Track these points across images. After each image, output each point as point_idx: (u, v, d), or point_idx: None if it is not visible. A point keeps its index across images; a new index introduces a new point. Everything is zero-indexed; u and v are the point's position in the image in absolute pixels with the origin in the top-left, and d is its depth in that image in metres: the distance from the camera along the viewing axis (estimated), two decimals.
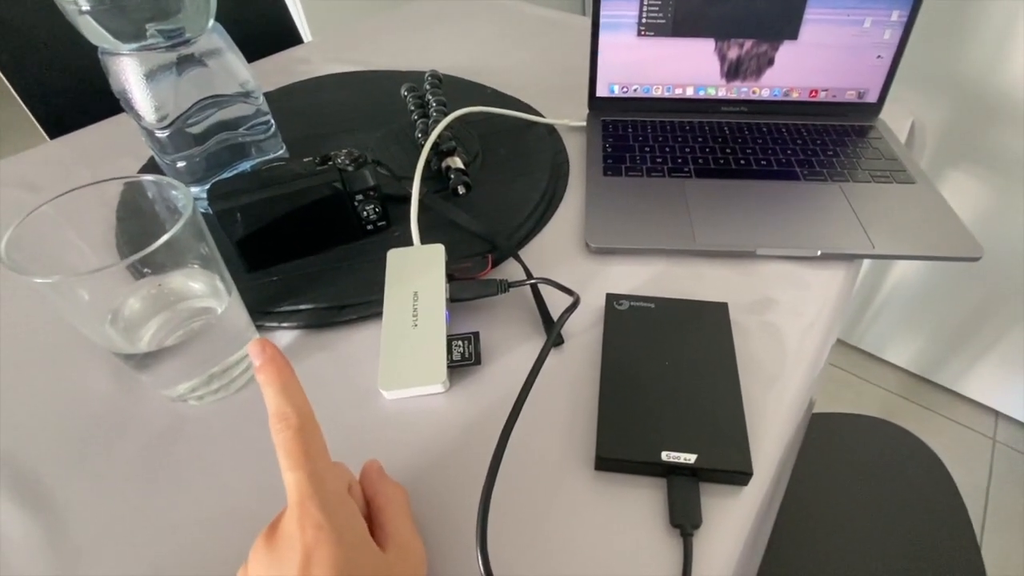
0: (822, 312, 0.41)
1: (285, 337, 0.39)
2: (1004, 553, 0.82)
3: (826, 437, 0.64)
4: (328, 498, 0.23)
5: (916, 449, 0.63)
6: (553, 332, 0.35)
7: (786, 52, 0.55)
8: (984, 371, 1.05)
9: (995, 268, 0.96)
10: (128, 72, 0.38)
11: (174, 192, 0.31)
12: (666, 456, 0.30)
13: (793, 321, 0.40)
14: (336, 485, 0.24)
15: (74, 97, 0.68)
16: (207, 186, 0.39)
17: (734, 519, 0.30)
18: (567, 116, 0.59)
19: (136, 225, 0.32)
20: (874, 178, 0.50)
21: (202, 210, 0.44)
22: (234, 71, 0.43)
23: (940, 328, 1.07)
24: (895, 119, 0.59)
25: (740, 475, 0.30)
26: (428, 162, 0.48)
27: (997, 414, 1.08)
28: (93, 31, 0.36)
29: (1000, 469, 0.99)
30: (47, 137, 0.67)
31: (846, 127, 0.57)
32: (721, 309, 0.38)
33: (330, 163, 0.41)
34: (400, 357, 0.35)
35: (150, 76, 0.39)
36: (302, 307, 0.40)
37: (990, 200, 0.89)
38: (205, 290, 0.34)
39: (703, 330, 0.37)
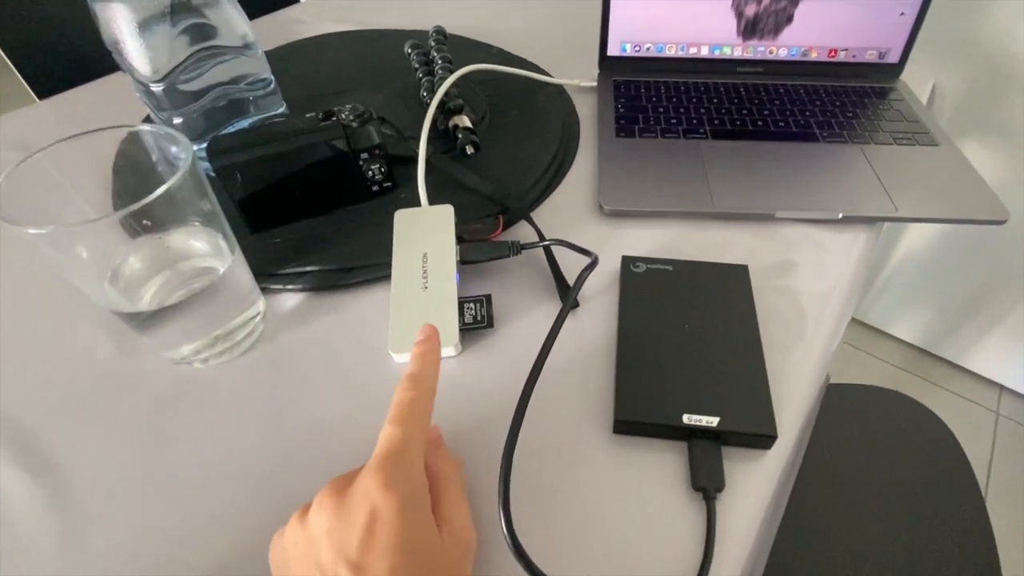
0: (843, 276, 0.39)
1: (291, 300, 0.38)
2: (1005, 526, 0.83)
3: (837, 407, 0.63)
4: (411, 465, 0.23)
5: (926, 419, 0.62)
6: (571, 295, 0.34)
7: (805, 8, 0.53)
8: (989, 345, 1.05)
9: (1005, 241, 0.95)
10: (120, 20, 0.36)
11: (173, 146, 0.30)
12: (688, 419, 0.29)
13: (814, 285, 0.39)
14: (419, 460, 0.23)
15: (64, 56, 0.65)
16: (205, 143, 0.38)
17: (757, 482, 0.29)
18: (577, 76, 0.57)
19: (134, 179, 0.30)
20: (896, 140, 0.48)
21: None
22: (232, 22, 0.41)
23: (946, 302, 1.07)
24: (916, 82, 0.57)
25: (764, 438, 0.29)
26: (435, 121, 0.46)
27: (1001, 388, 1.08)
28: None
29: (1003, 442, 0.99)
30: (36, 98, 0.65)
31: (866, 88, 0.55)
32: (741, 272, 0.37)
33: (333, 119, 0.39)
34: (410, 320, 0.34)
35: (143, 25, 0.37)
36: (308, 269, 0.38)
37: (1006, 170, 0.87)
38: (207, 249, 0.33)
39: (723, 293, 0.36)
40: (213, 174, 0.37)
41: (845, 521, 0.54)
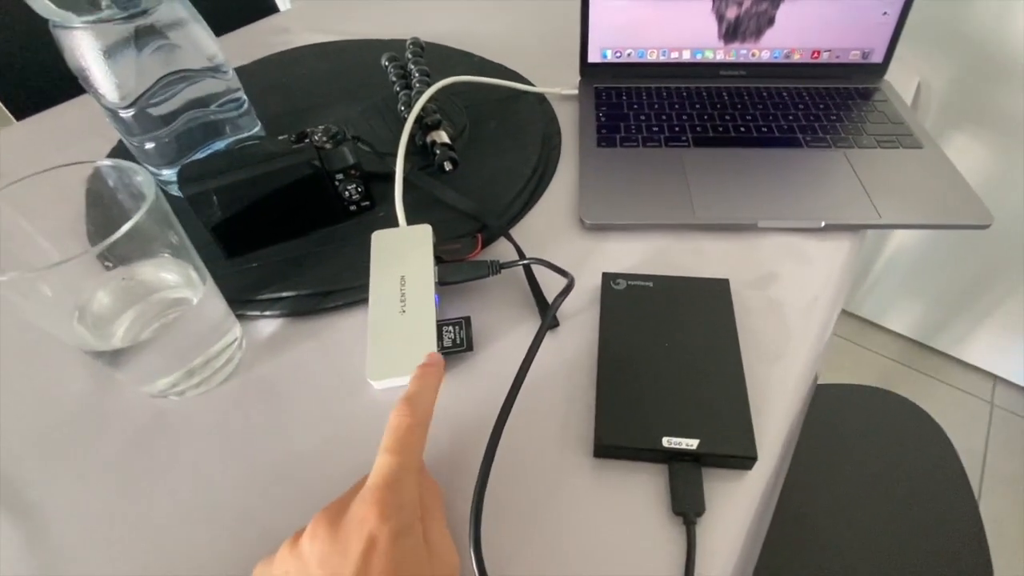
0: (826, 286, 0.39)
1: (268, 326, 0.38)
2: (1000, 516, 0.83)
3: (826, 408, 0.63)
4: (406, 494, 0.23)
5: (917, 418, 0.62)
6: (547, 317, 0.33)
7: (787, 10, 0.52)
8: (983, 336, 1.05)
9: (998, 233, 0.95)
10: (83, 47, 0.36)
11: (137, 178, 0.29)
12: (667, 442, 0.29)
13: (797, 296, 0.38)
14: (414, 489, 0.24)
15: (41, 76, 0.65)
16: (176, 168, 0.37)
17: (738, 504, 0.29)
18: (558, 84, 0.56)
19: (100, 214, 0.30)
20: (880, 143, 0.48)
21: (174, 194, 0.42)
22: (200, 44, 0.40)
23: (940, 294, 1.06)
24: (900, 80, 0.56)
25: (744, 460, 0.29)
26: (412, 137, 0.45)
27: (996, 378, 1.08)
28: (39, 2, 0.33)
29: (997, 433, 0.99)
30: (13, 119, 0.64)
31: (850, 90, 0.54)
32: (722, 286, 0.37)
33: (307, 140, 0.38)
34: (388, 345, 0.34)
35: (108, 52, 0.36)
36: (285, 294, 0.38)
37: (995, 164, 0.87)
38: (178, 280, 0.32)
39: (704, 309, 0.35)
40: (183, 199, 0.36)
41: (834, 523, 0.54)
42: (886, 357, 1.14)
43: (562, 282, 0.36)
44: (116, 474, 0.31)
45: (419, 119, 0.46)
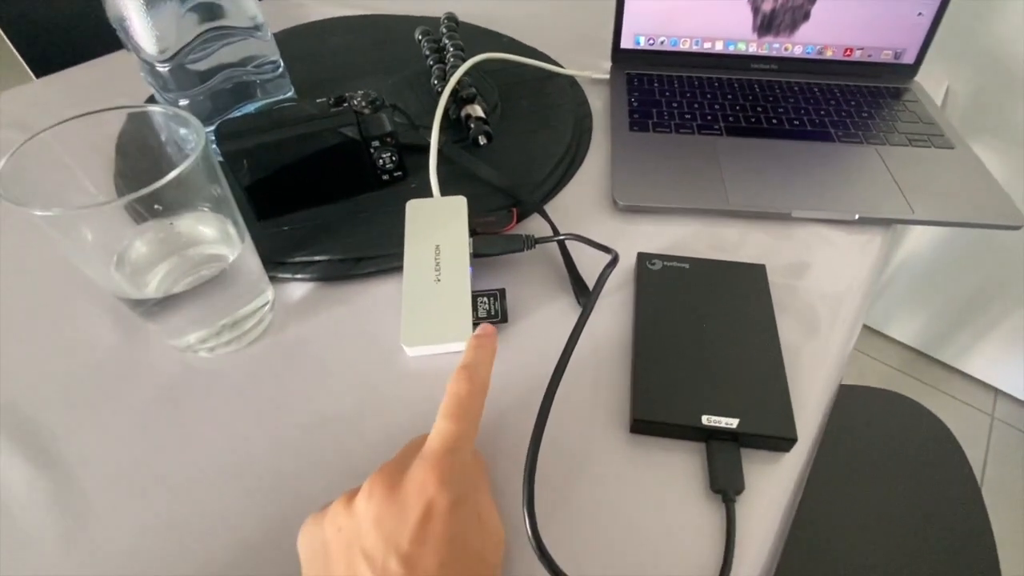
0: (858, 278, 0.39)
1: (299, 289, 0.37)
2: (998, 528, 0.83)
3: (837, 408, 0.63)
4: (464, 462, 0.23)
5: (927, 421, 0.62)
6: (595, 292, 0.33)
7: (823, 5, 0.52)
8: (986, 348, 1.05)
9: (1006, 245, 0.95)
10: None
11: (183, 128, 0.29)
12: (707, 420, 0.29)
13: (829, 286, 0.38)
14: (470, 457, 0.24)
15: (62, 34, 0.64)
16: (211, 127, 0.36)
17: (775, 485, 0.29)
18: (589, 68, 0.56)
19: (141, 161, 0.29)
20: (911, 142, 0.48)
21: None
22: (242, 2, 0.40)
23: (944, 305, 1.07)
24: (929, 84, 0.56)
25: (784, 441, 0.29)
26: (446, 110, 0.45)
27: (997, 391, 1.09)
28: None
29: (997, 445, 1.00)
30: (33, 76, 0.63)
31: (881, 88, 0.54)
32: (759, 271, 0.37)
33: (345, 105, 0.38)
34: (423, 313, 0.33)
35: (151, 2, 0.36)
36: (317, 258, 0.38)
37: (1017, 173, 0.87)
38: (216, 236, 0.32)
39: (741, 292, 0.35)
40: (220, 158, 0.36)
41: (845, 523, 0.54)
42: (888, 365, 1.14)
43: (595, 260, 0.35)
44: (143, 427, 0.31)
45: (454, 92, 0.45)
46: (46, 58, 0.63)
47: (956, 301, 1.05)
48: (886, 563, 0.52)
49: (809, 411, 0.32)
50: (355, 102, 0.38)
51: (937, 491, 0.56)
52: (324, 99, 0.38)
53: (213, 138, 0.36)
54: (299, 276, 0.37)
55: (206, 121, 0.42)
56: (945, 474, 0.58)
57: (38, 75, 0.63)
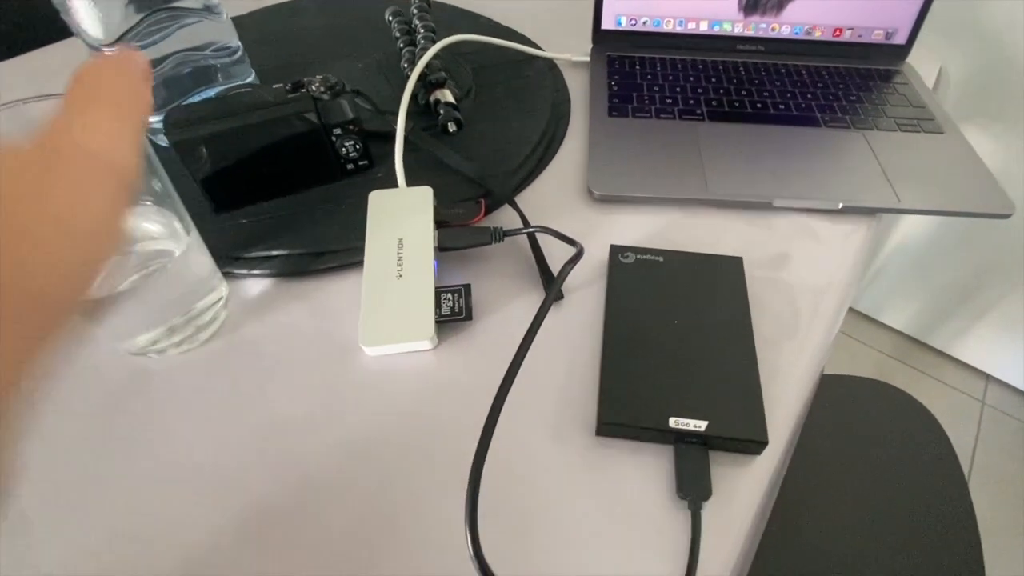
0: (841, 269, 0.38)
1: (257, 286, 0.36)
2: (986, 514, 0.83)
3: (822, 398, 0.62)
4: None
5: (913, 409, 0.61)
6: (554, 287, 0.32)
7: None
8: (979, 334, 1.04)
9: (999, 231, 0.94)
10: None
11: None
12: (675, 423, 0.28)
13: (811, 279, 0.37)
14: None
15: (18, 18, 0.61)
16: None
17: (745, 490, 0.28)
18: (569, 50, 0.54)
19: None
20: (900, 127, 0.46)
21: (161, 142, 0.40)
22: None
23: (937, 291, 1.06)
24: (921, 66, 0.54)
25: (754, 444, 0.28)
26: (415, 95, 0.43)
27: (988, 377, 1.08)
28: None
29: (987, 431, 1.00)
30: None
31: (871, 71, 0.52)
32: (735, 264, 0.35)
33: (303, 91, 0.36)
34: (383, 310, 0.32)
35: None
36: (275, 253, 0.36)
37: (1009, 158, 0.85)
38: (161, 231, 0.30)
39: (716, 286, 0.34)
40: (170, 146, 0.34)
41: (828, 512, 0.53)
42: (880, 352, 1.14)
43: (568, 254, 0.34)
44: (91, 434, 0.29)
45: (423, 76, 0.43)
46: (1, 43, 0.60)
47: (949, 287, 1.03)
48: (867, 552, 0.51)
49: (784, 409, 0.31)
50: (313, 88, 0.36)
51: (922, 481, 0.56)
52: (280, 85, 0.36)
53: (162, 128, 0.34)
54: (256, 272, 0.36)
55: (162, 108, 0.40)
56: (931, 464, 0.57)
57: None
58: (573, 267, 0.32)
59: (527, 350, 0.28)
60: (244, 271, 0.36)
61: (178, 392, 0.31)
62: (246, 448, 0.29)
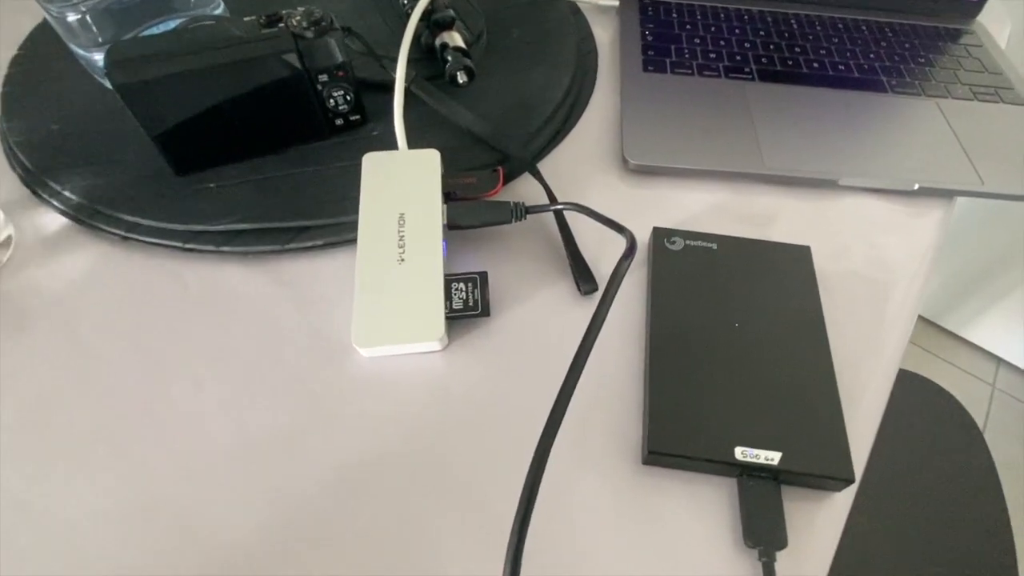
0: (915, 263, 0.32)
1: (226, 266, 0.29)
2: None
3: None
4: None
5: (946, 404, 0.58)
6: (610, 295, 0.25)
7: None
8: (992, 316, 1.01)
9: (1017, 215, 0.89)
10: None
11: None
12: (741, 454, 0.23)
13: (885, 272, 0.31)
14: None
15: None
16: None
17: (820, 535, 0.23)
18: None
19: None
20: (976, 95, 0.40)
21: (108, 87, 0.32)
22: None
23: (953, 273, 1.02)
24: (992, 24, 0.48)
25: (836, 481, 0.23)
26: (417, 37, 0.36)
27: (999, 361, 1.06)
28: None
29: (997, 415, 0.98)
30: None
31: (938, 29, 0.46)
32: (803, 254, 0.29)
33: (281, 25, 0.29)
34: (381, 303, 0.26)
35: None
36: (247, 226, 0.30)
37: None
38: None
39: (781, 282, 0.28)
40: (113, 89, 0.27)
41: (862, 508, 0.50)
42: None
43: (601, 234, 0.28)
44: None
45: (427, 14, 0.36)
46: None
47: (965, 269, 0.99)
48: (902, 545, 0.48)
49: (860, 433, 0.26)
50: (293, 22, 0.29)
51: (957, 477, 0.52)
52: (253, 18, 0.29)
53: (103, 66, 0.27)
54: (225, 248, 0.29)
55: (110, 41, 0.33)
56: (966, 461, 0.53)
57: None
58: (629, 264, 0.26)
59: (580, 371, 0.22)
60: (211, 247, 0.29)
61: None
62: (211, 468, 0.23)
